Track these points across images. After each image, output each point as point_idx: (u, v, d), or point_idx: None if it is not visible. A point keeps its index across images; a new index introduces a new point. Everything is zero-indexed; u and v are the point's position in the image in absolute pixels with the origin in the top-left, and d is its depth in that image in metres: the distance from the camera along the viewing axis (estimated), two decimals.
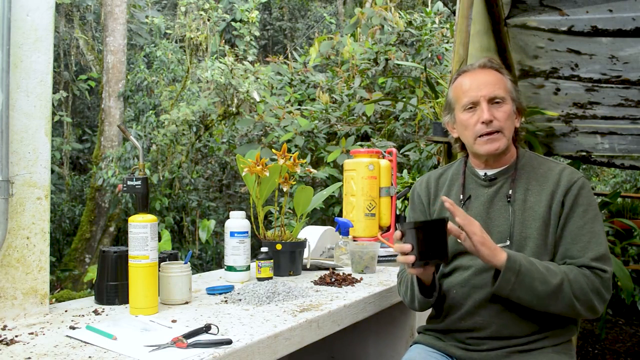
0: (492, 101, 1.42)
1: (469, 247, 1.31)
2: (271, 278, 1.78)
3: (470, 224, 1.29)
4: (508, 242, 1.40)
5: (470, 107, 1.44)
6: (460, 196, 1.51)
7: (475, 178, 1.52)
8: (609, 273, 1.33)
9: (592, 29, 2.73)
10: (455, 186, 1.55)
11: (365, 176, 2.47)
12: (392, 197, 2.55)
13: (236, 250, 1.81)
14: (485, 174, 1.50)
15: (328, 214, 5.17)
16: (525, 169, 1.47)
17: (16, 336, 1.18)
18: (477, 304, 1.41)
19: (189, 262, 1.53)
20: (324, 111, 6.05)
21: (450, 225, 1.30)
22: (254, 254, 1.86)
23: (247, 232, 1.84)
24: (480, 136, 1.43)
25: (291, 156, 1.94)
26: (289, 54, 9.32)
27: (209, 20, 8.40)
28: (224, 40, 9.65)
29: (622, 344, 4.42)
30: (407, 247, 1.29)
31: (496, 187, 1.47)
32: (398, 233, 1.32)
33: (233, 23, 8.91)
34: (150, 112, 7.97)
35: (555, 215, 1.38)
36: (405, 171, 4.28)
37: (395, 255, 2.27)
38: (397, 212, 2.89)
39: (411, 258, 1.28)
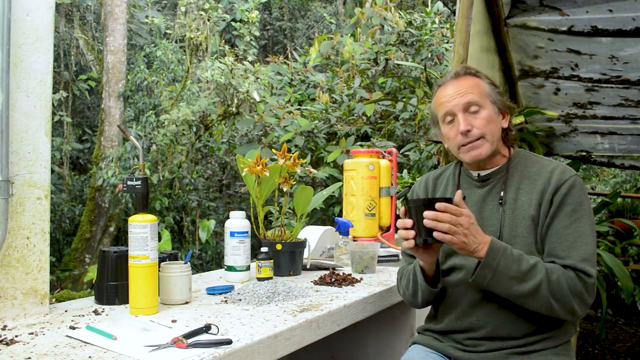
0: (468, 110, 1.43)
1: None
2: (271, 278, 1.78)
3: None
4: None
5: (450, 120, 1.46)
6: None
7: (469, 179, 1.53)
8: (593, 277, 1.31)
9: (592, 29, 2.73)
10: (451, 186, 1.57)
11: (365, 176, 2.47)
12: (392, 197, 2.55)
13: (236, 250, 1.81)
14: (479, 174, 1.51)
15: (328, 214, 5.17)
16: (517, 169, 1.48)
17: (16, 336, 1.18)
18: (473, 303, 1.42)
19: (189, 262, 1.53)
20: (324, 111, 6.05)
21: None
22: (254, 254, 1.86)
23: (247, 232, 1.84)
24: (462, 146, 1.44)
25: (291, 156, 1.94)
26: (289, 54, 9.33)
27: (209, 20, 8.40)
28: (224, 40, 9.66)
29: (622, 344, 4.42)
30: (409, 222, 1.29)
31: (489, 188, 1.48)
32: (403, 209, 1.32)
33: (233, 23, 8.91)
34: (150, 112, 7.98)
35: (544, 214, 1.38)
36: (405, 171, 4.27)
37: (396, 256, 2.28)
38: (397, 212, 2.89)
39: (411, 233, 1.28)
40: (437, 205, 1.25)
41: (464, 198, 1.50)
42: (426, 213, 1.26)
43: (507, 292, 1.32)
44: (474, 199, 1.49)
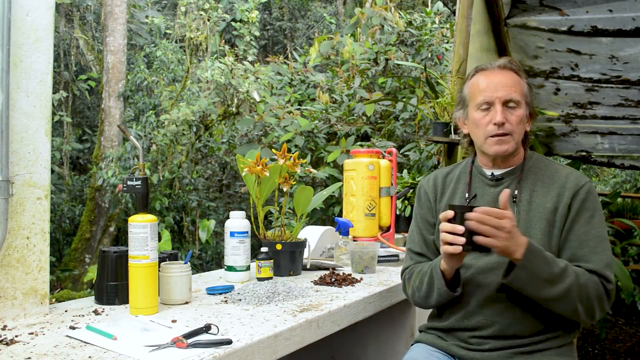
0: (507, 104, 1.42)
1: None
2: (271, 278, 1.78)
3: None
4: None
5: (485, 107, 1.44)
6: (465, 194, 1.51)
7: (481, 177, 1.52)
8: (613, 284, 1.34)
9: (592, 29, 2.73)
10: (462, 184, 1.55)
11: (365, 176, 2.47)
12: (392, 197, 2.55)
13: (236, 250, 1.81)
14: (492, 173, 1.51)
15: (328, 214, 5.17)
16: (532, 171, 1.48)
17: (16, 336, 1.18)
18: (481, 302, 1.41)
19: (189, 262, 1.53)
20: (324, 111, 6.05)
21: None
22: (254, 254, 1.86)
23: (247, 232, 1.84)
24: (490, 137, 1.43)
25: (291, 156, 1.94)
26: (289, 54, 9.32)
27: (209, 20, 8.40)
28: (224, 40, 9.65)
29: (622, 344, 4.42)
30: (460, 228, 1.27)
31: (502, 187, 1.47)
32: (450, 212, 1.30)
33: (233, 23, 8.91)
34: (150, 112, 7.97)
35: (561, 218, 1.39)
36: (405, 171, 4.27)
37: (396, 256, 2.27)
38: (397, 212, 2.89)
39: (461, 240, 1.27)
40: (477, 209, 1.26)
41: (474, 196, 1.50)
42: (470, 215, 1.25)
43: (537, 294, 1.32)
44: (486, 198, 1.48)
